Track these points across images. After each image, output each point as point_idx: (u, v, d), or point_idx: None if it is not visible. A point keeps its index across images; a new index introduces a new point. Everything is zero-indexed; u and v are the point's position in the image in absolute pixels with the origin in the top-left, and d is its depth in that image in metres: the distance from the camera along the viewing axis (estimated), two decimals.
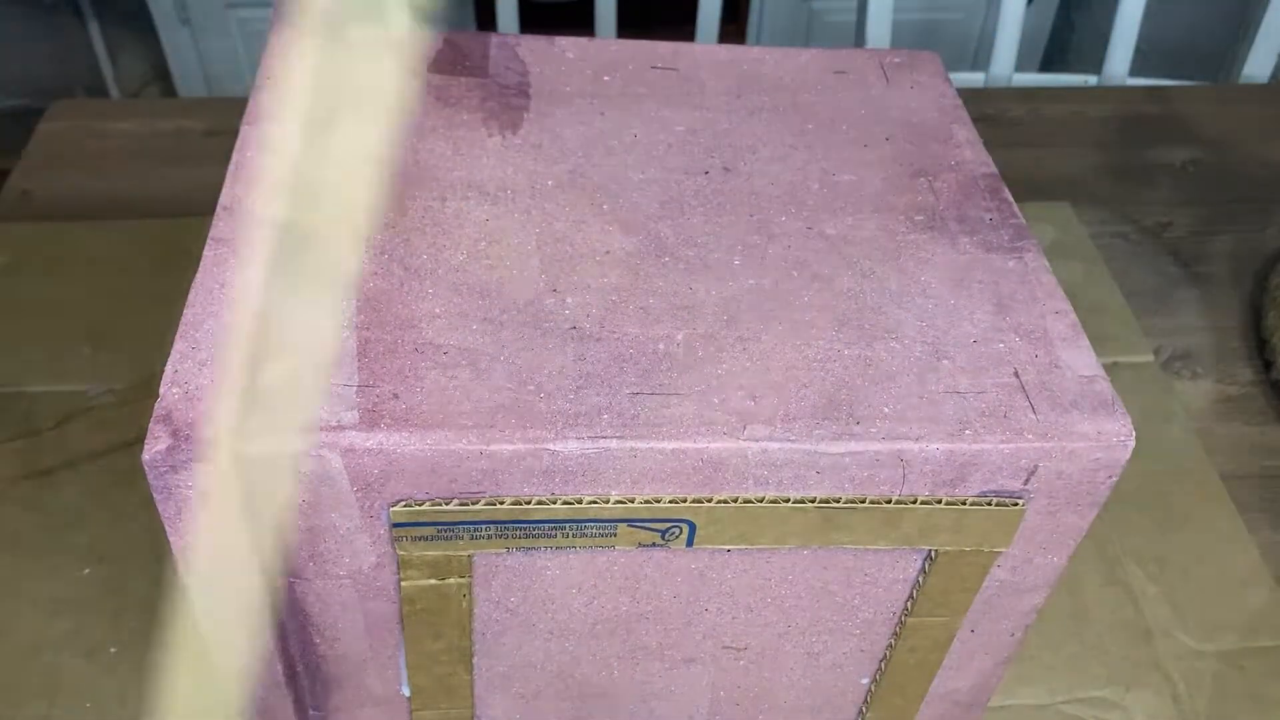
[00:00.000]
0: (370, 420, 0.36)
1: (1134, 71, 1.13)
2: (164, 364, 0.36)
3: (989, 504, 0.40)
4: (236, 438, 0.35)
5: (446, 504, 0.38)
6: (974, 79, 1.14)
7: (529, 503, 0.38)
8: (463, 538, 0.39)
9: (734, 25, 1.86)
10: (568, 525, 0.39)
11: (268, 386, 0.33)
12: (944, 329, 0.42)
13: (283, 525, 0.38)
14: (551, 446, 0.37)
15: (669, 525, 0.39)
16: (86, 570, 0.59)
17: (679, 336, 0.41)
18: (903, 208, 0.48)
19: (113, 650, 0.56)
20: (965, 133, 0.52)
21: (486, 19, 1.82)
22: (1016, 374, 0.40)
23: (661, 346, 0.40)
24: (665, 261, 0.44)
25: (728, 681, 0.47)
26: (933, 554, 0.42)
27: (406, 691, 0.46)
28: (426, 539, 0.39)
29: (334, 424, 0.36)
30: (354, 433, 0.36)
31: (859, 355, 0.41)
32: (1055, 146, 0.93)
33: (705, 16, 1.23)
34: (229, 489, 0.35)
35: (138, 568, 0.59)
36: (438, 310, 0.41)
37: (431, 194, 0.45)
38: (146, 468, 0.34)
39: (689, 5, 1.28)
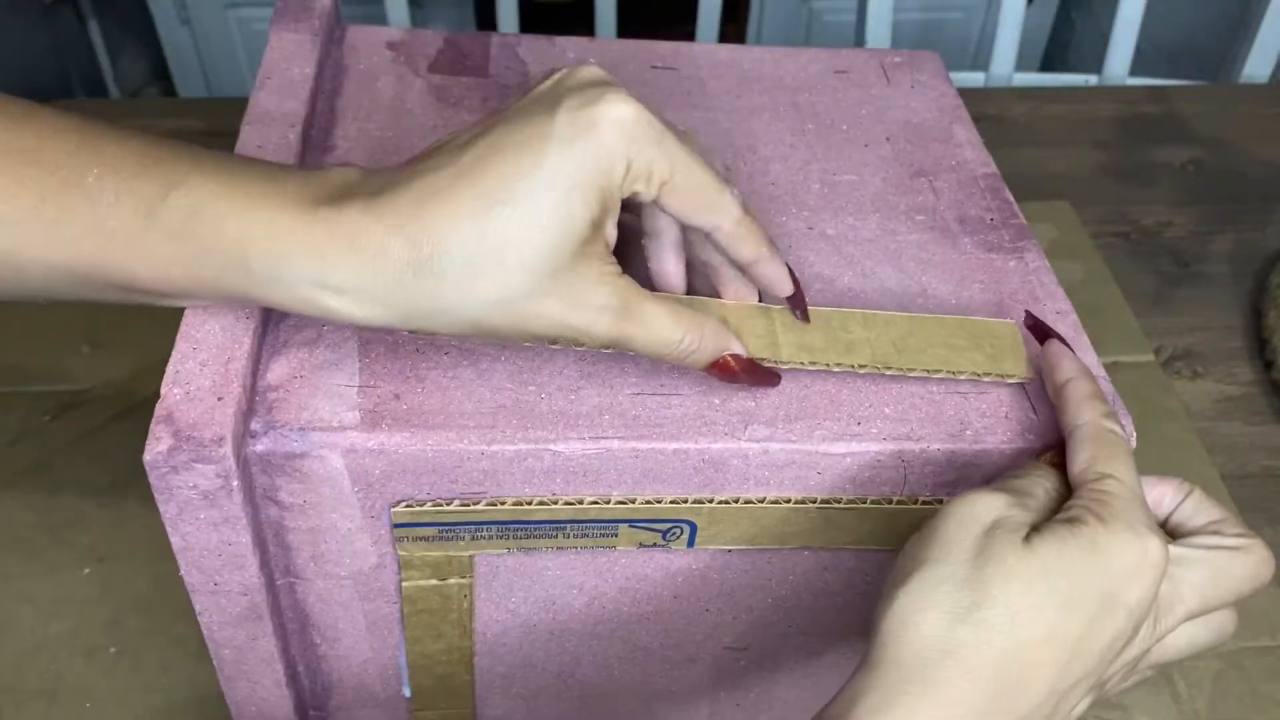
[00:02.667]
0: (372, 420, 0.36)
1: (1134, 71, 1.13)
2: (165, 364, 0.36)
3: None
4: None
5: (448, 504, 0.38)
6: (974, 79, 1.14)
7: (530, 503, 0.38)
8: (464, 538, 0.39)
9: (734, 25, 1.86)
10: (569, 525, 0.39)
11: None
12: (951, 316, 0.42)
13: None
14: (553, 447, 0.37)
15: (670, 525, 0.39)
16: (86, 570, 0.59)
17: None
18: (903, 208, 0.48)
19: (113, 650, 0.56)
20: (965, 133, 0.52)
21: (486, 19, 1.81)
22: None
23: None
24: None
25: (728, 682, 0.47)
26: None
27: (407, 692, 0.46)
28: (428, 539, 0.39)
29: (336, 424, 0.36)
30: (355, 433, 0.36)
31: None
32: (1055, 146, 0.93)
33: (705, 16, 1.23)
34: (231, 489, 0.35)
35: (138, 568, 0.59)
36: None
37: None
38: (148, 468, 0.34)
39: (689, 5, 1.28)
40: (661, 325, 0.35)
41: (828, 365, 0.39)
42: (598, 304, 0.34)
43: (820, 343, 0.39)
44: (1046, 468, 0.36)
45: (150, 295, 0.35)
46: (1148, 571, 0.32)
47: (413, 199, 0.33)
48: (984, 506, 0.33)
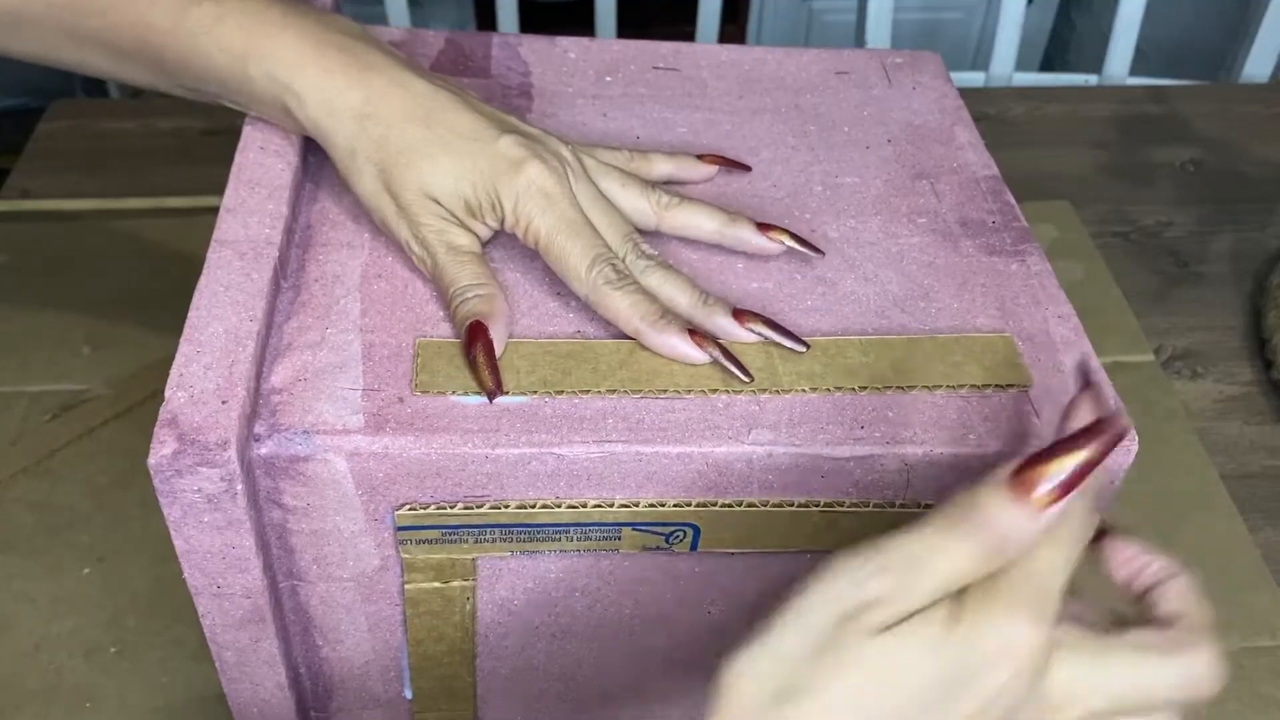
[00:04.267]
0: (375, 424, 0.36)
1: (1134, 71, 1.13)
2: (165, 364, 0.36)
3: None
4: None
5: (451, 507, 0.38)
6: (974, 79, 1.14)
7: (533, 506, 0.38)
8: (467, 541, 0.39)
9: (734, 25, 1.86)
10: (572, 529, 0.39)
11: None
12: (947, 333, 0.42)
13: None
14: (556, 450, 0.37)
15: (673, 529, 0.39)
16: (86, 570, 0.59)
17: None
18: (905, 210, 0.48)
19: (113, 650, 0.56)
20: (967, 134, 0.52)
21: (486, 19, 1.81)
22: None
23: None
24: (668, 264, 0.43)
25: None
26: None
27: (409, 694, 0.46)
28: (431, 542, 0.39)
29: (339, 427, 0.36)
30: (359, 436, 0.36)
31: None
32: (1055, 146, 0.93)
33: (705, 16, 1.23)
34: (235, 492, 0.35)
35: (138, 568, 0.59)
36: (443, 314, 0.41)
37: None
38: (152, 472, 0.34)
39: (689, 5, 1.28)
40: (449, 265, 0.41)
41: (829, 390, 0.39)
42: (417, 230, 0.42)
43: (819, 369, 0.40)
44: (955, 539, 0.30)
45: (177, 78, 0.43)
46: (1007, 662, 0.29)
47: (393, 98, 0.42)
48: (850, 597, 0.30)
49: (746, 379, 0.39)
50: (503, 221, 0.42)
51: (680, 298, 0.41)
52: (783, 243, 0.44)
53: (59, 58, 0.45)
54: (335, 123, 0.41)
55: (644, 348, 0.40)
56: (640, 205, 0.44)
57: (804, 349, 0.41)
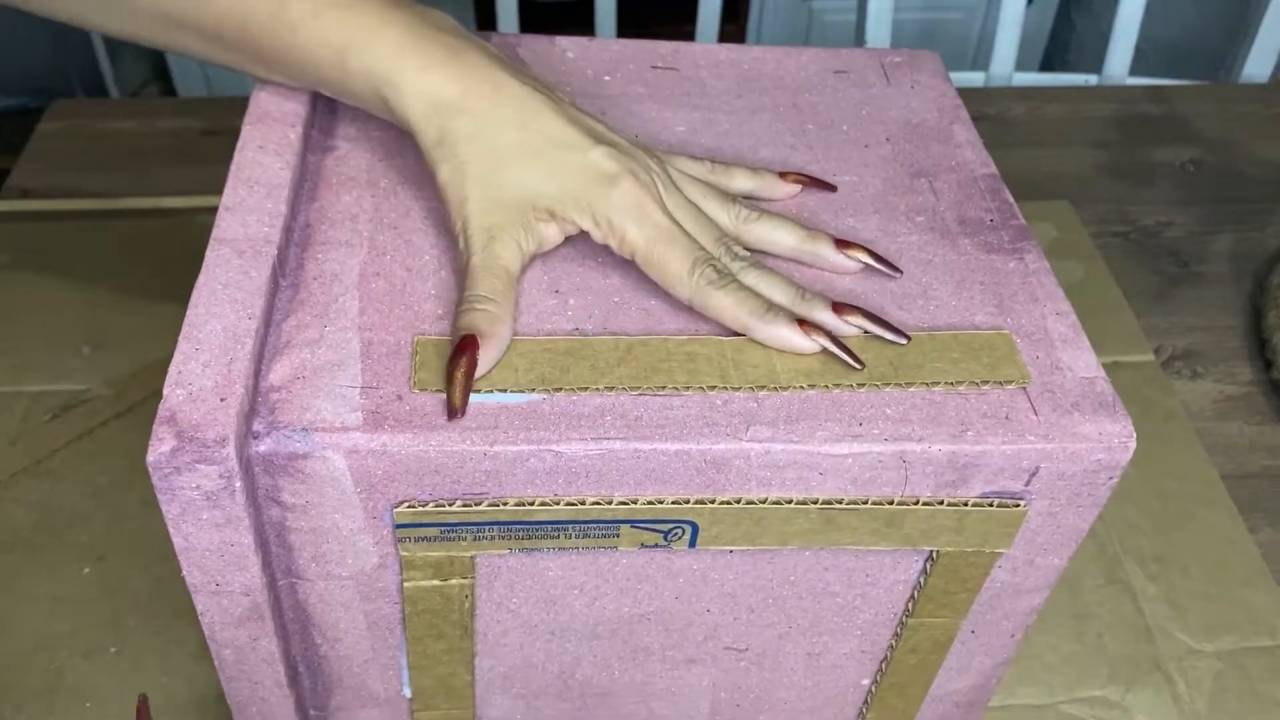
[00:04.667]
0: (374, 421, 0.36)
1: (1134, 71, 1.13)
2: (165, 364, 0.36)
3: (990, 505, 0.40)
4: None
5: (450, 505, 0.38)
6: (974, 79, 1.14)
7: (532, 504, 0.38)
8: (465, 538, 0.39)
9: (734, 25, 1.86)
10: (570, 526, 0.39)
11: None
12: (945, 330, 0.42)
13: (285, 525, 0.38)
14: (555, 447, 0.37)
15: (672, 526, 0.39)
16: (86, 570, 0.59)
17: (681, 337, 0.41)
18: (903, 209, 0.48)
19: (113, 650, 0.56)
20: (965, 133, 0.52)
21: (486, 19, 1.81)
22: None
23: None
24: None
25: (729, 682, 0.47)
26: (934, 555, 0.42)
27: (408, 692, 0.46)
28: (429, 540, 0.39)
29: (338, 425, 0.36)
30: (358, 434, 0.36)
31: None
32: (1055, 146, 0.93)
33: (705, 16, 1.23)
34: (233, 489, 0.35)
35: (138, 568, 0.59)
36: (441, 312, 0.41)
37: (434, 195, 0.45)
38: (151, 469, 0.34)
39: (689, 5, 1.28)
40: (479, 270, 0.41)
41: (826, 387, 0.39)
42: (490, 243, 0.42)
43: (818, 366, 0.40)
44: None
45: (274, 68, 0.44)
46: None
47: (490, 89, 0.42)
48: None
49: (859, 366, 0.40)
50: (590, 232, 0.42)
51: (779, 295, 0.42)
52: (860, 260, 0.44)
53: (153, 40, 0.45)
54: (429, 113, 0.42)
55: (642, 348, 0.40)
56: (721, 218, 0.45)
57: (905, 341, 0.41)
